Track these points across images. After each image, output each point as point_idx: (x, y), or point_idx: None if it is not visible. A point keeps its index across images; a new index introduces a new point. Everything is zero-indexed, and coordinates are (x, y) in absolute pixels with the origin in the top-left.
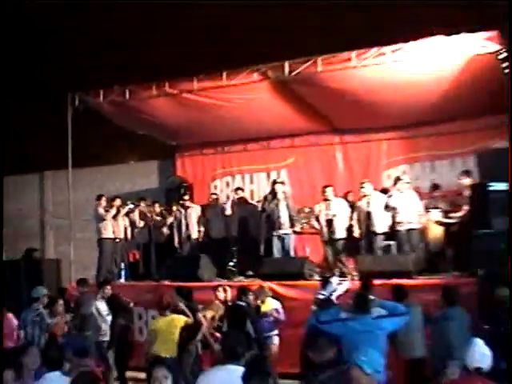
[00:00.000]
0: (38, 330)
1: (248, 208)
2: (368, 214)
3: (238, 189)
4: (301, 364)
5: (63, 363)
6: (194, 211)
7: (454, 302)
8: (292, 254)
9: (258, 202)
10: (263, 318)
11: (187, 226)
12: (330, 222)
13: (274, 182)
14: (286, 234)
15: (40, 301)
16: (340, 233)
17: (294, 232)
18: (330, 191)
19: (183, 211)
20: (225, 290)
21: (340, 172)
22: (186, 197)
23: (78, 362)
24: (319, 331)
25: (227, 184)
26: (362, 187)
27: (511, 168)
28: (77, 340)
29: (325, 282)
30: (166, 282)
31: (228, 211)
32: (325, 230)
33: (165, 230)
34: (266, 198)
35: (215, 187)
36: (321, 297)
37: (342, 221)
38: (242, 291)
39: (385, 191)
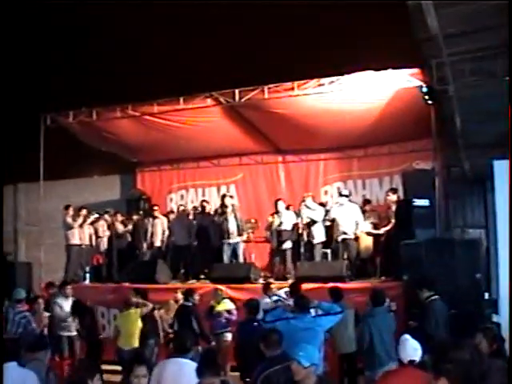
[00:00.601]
0: (22, 330)
1: (206, 219)
2: (308, 224)
3: (204, 201)
4: (236, 358)
5: (19, 355)
6: (160, 222)
7: (379, 303)
8: (241, 260)
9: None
10: (216, 317)
11: (152, 234)
12: (279, 232)
13: (224, 196)
14: (235, 242)
15: (22, 303)
16: (287, 243)
17: (243, 241)
18: (281, 204)
19: (151, 220)
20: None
21: (282, 187)
22: (156, 207)
23: (30, 356)
24: (273, 328)
25: (182, 197)
26: (303, 200)
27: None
28: (29, 336)
29: (267, 287)
30: (126, 284)
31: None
32: (274, 239)
33: (126, 237)
34: (216, 210)
35: (171, 199)
36: (275, 298)
37: (289, 231)
38: (188, 293)
39: (323, 205)
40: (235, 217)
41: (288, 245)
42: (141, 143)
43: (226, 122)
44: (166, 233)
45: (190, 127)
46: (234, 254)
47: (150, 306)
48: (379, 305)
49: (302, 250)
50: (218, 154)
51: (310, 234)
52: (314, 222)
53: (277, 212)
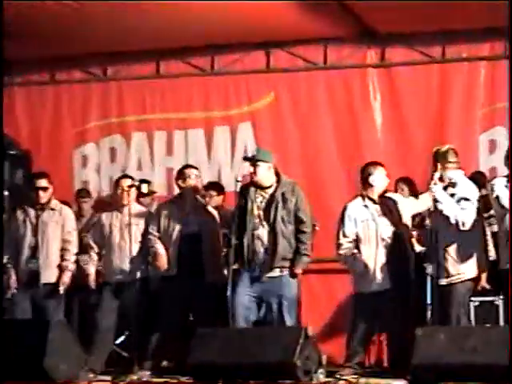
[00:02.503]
0: None
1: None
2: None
3: (188, 167)
4: None
5: None
6: (56, 221)
7: None
8: (289, 319)
9: (174, 197)
10: None
11: (34, 250)
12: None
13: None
14: (272, 275)
15: None
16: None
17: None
18: (381, 178)
19: (32, 215)
20: None
21: (378, 131)
22: (44, 182)
23: None
24: None
25: (112, 153)
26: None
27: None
28: None
29: None
30: None
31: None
32: (369, 264)
33: None
34: (245, 193)
35: (84, 160)
36: None
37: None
38: None
39: (477, 180)
40: (294, 214)
41: (387, 280)
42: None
43: None
44: (73, 244)
45: None
46: (269, 309)
47: None
48: None
49: (429, 294)
50: (209, 42)
51: (443, 254)
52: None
53: (368, 195)
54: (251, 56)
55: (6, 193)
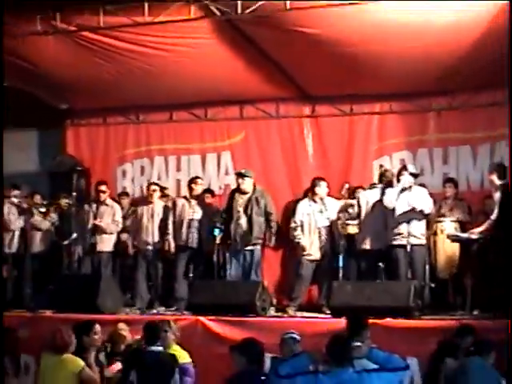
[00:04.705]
0: None
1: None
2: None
3: (197, 178)
4: None
5: None
6: (109, 212)
7: (482, 350)
8: (255, 276)
9: (186, 198)
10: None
11: (94, 230)
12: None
13: (241, 176)
14: (251, 249)
15: None
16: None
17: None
18: (323, 188)
19: (94, 207)
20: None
21: (309, 158)
22: (103, 187)
23: None
24: None
25: (142, 170)
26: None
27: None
28: None
29: None
30: (48, 313)
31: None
32: (307, 243)
33: (50, 233)
34: (232, 196)
35: (123, 173)
36: None
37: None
38: (154, 328)
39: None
40: (264, 208)
41: (318, 253)
42: (75, 78)
43: (219, 47)
44: (118, 227)
45: (157, 54)
46: (245, 269)
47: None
48: (482, 353)
49: (341, 262)
50: (204, 99)
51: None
52: (363, 216)
53: (314, 199)
54: (230, 109)
55: (74, 193)
